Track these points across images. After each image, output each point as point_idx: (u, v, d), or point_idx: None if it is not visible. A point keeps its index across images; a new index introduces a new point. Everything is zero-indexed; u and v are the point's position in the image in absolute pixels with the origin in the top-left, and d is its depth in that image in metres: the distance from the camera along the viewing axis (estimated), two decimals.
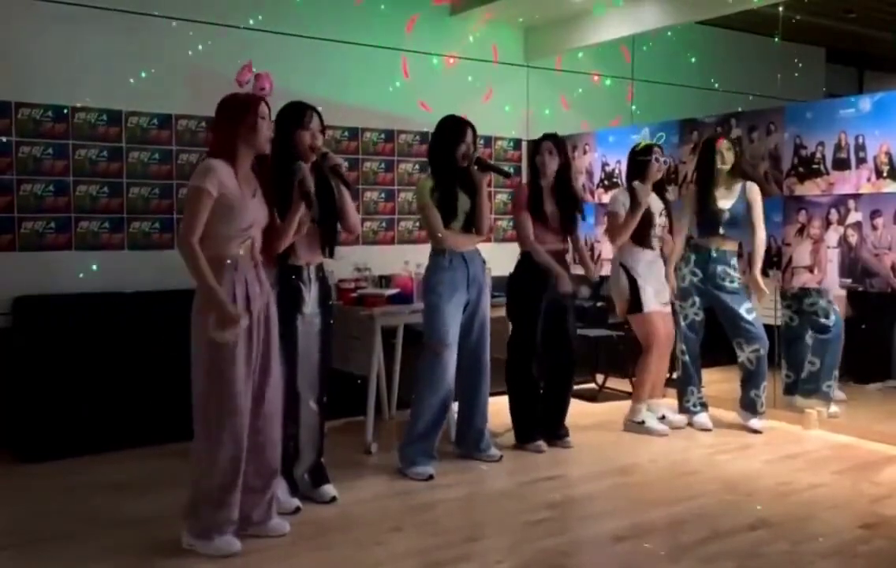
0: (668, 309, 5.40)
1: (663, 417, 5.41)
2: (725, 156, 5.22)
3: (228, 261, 3.35)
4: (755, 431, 5.27)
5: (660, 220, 5.28)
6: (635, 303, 5.24)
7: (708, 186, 5.26)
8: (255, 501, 3.54)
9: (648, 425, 5.33)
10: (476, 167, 4.51)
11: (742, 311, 5.24)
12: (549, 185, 4.96)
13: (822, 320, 5.54)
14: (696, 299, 5.39)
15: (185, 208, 3.37)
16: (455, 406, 4.81)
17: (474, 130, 4.53)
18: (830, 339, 5.54)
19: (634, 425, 5.39)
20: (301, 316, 3.88)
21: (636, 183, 5.18)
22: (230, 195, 3.33)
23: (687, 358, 5.50)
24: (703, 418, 5.43)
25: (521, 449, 4.94)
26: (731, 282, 5.25)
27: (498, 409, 5.52)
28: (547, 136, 5.00)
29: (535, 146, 5.04)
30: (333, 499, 4.03)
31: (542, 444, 4.93)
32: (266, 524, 3.59)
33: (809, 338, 5.62)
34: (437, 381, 4.45)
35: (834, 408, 5.56)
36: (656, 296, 5.28)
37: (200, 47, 5.82)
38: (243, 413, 3.37)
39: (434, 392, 4.46)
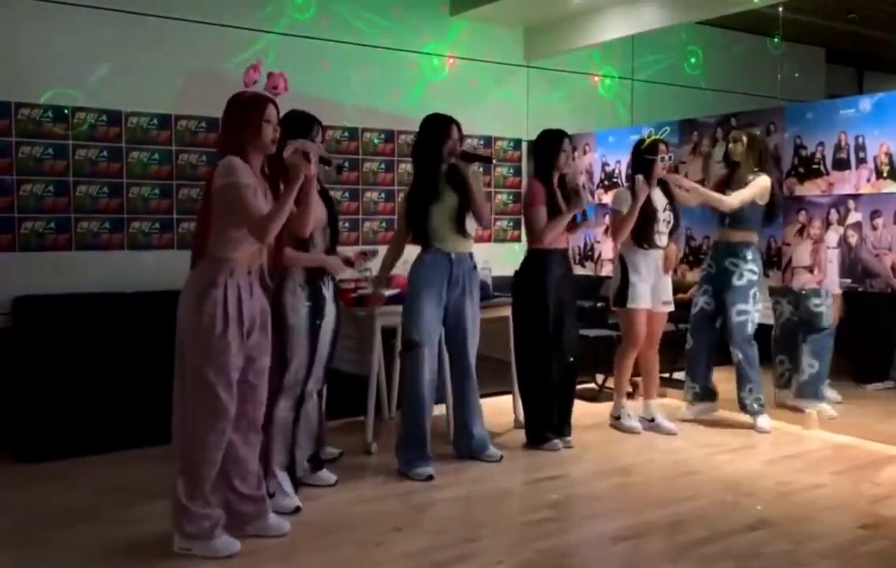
0: (669, 308, 5.37)
1: (653, 420, 5.37)
2: (734, 148, 5.23)
3: (227, 264, 3.32)
4: (762, 431, 5.24)
5: (663, 216, 5.20)
6: (621, 296, 5.23)
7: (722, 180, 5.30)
8: (247, 505, 3.54)
9: (622, 421, 5.36)
10: (461, 160, 4.42)
11: (733, 311, 5.22)
12: (556, 184, 4.95)
13: (823, 323, 5.52)
14: (709, 288, 5.42)
15: (232, 208, 3.24)
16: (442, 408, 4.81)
17: (459, 126, 4.48)
18: (826, 338, 5.52)
19: (612, 421, 5.43)
20: (322, 321, 4.00)
21: (638, 177, 5.10)
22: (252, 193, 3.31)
23: (689, 346, 5.53)
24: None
25: (535, 449, 4.93)
26: (739, 277, 5.21)
27: (500, 408, 5.54)
28: (565, 133, 4.95)
29: (550, 141, 4.92)
30: (334, 484, 4.17)
31: (557, 442, 4.92)
32: (265, 523, 3.58)
33: (807, 338, 5.56)
34: (415, 380, 4.42)
35: (832, 410, 5.55)
36: (652, 294, 5.24)
37: (200, 47, 5.83)
38: (227, 416, 3.35)
39: (413, 391, 4.43)
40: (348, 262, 4.24)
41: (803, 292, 5.56)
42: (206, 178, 3.51)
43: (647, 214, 5.11)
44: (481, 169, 4.64)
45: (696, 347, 5.55)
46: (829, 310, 5.52)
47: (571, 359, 5.00)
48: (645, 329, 5.27)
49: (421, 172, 4.49)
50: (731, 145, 5.30)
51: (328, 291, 4.06)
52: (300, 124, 3.96)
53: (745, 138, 5.26)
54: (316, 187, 3.69)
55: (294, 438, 3.99)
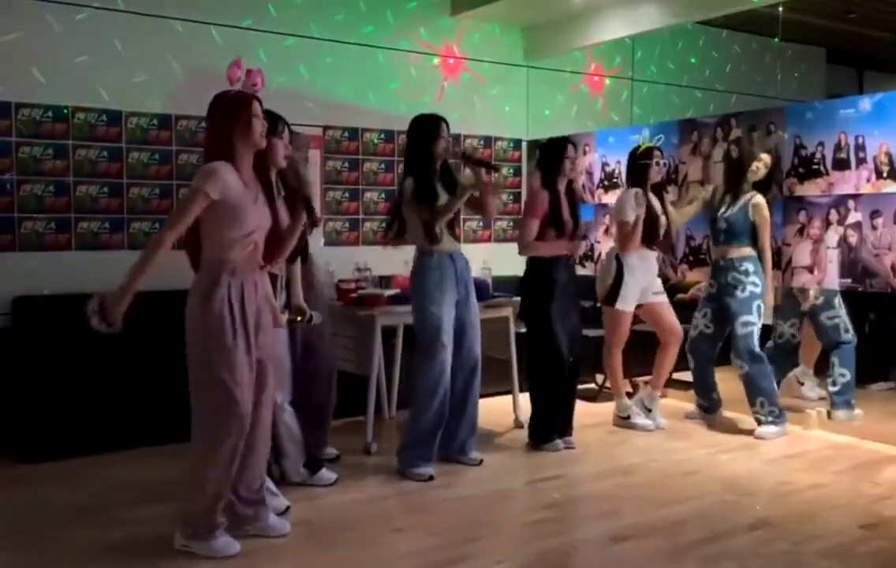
0: (663, 299, 5.42)
1: (650, 411, 5.47)
2: (761, 170, 5.22)
3: (227, 265, 3.31)
4: (760, 437, 5.17)
5: (662, 219, 5.32)
6: (612, 295, 5.29)
7: (729, 187, 5.30)
8: (248, 508, 3.53)
9: (633, 420, 5.41)
10: (463, 161, 4.46)
11: (738, 323, 5.20)
12: (563, 191, 4.94)
13: (845, 334, 5.48)
14: (708, 310, 5.45)
15: (178, 204, 3.27)
16: None
17: (447, 124, 4.49)
18: (853, 348, 5.49)
19: (620, 420, 5.47)
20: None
21: (636, 191, 5.22)
22: (235, 199, 3.27)
23: (691, 366, 5.61)
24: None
25: (536, 449, 4.93)
26: (743, 290, 5.19)
27: (500, 408, 5.55)
28: (570, 140, 4.98)
29: (554, 148, 4.94)
30: (334, 482, 4.21)
31: (559, 442, 4.93)
32: (265, 523, 3.57)
33: (832, 350, 5.50)
34: (435, 382, 4.39)
35: (858, 411, 5.51)
36: (641, 294, 5.31)
37: (200, 47, 5.83)
38: (242, 414, 3.34)
39: (432, 394, 4.40)
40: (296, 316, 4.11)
41: (811, 310, 5.52)
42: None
43: (652, 217, 5.25)
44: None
45: (697, 368, 5.59)
46: (844, 319, 5.50)
47: (572, 359, 5.00)
48: (628, 330, 5.39)
49: (416, 174, 4.45)
50: (762, 168, 5.23)
51: (280, 300, 3.98)
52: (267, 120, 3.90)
53: (768, 160, 5.26)
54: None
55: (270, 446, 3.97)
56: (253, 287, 3.40)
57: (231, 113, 3.34)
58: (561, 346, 4.86)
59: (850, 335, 5.49)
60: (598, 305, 5.60)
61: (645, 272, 5.32)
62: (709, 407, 5.62)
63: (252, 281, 3.40)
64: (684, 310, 5.96)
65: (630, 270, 5.25)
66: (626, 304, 5.28)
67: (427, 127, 4.46)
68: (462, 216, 4.56)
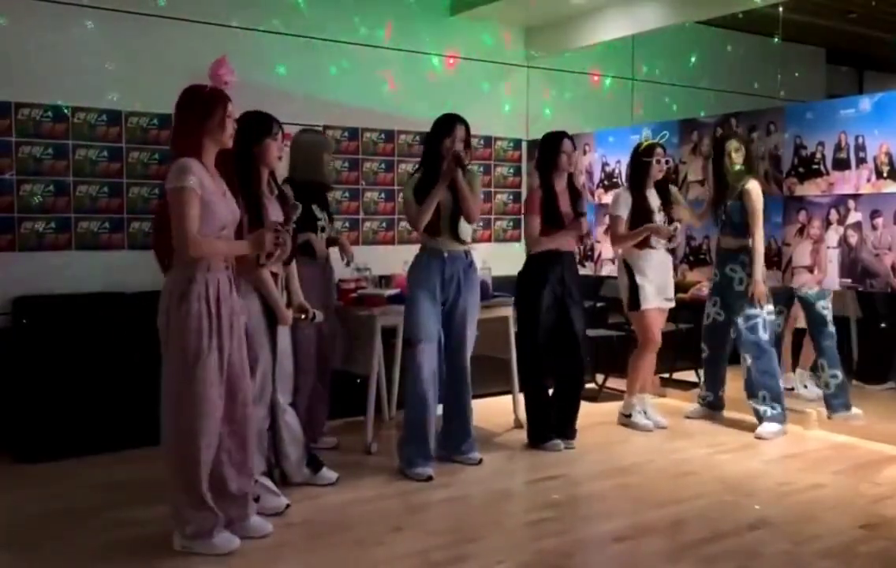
0: (670, 305, 5.44)
1: (645, 413, 5.47)
2: (733, 157, 5.21)
3: (202, 261, 3.29)
4: (761, 437, 5.16)
5: (658, 218, 5.28)
6: (633, 300, 5.30)
7: (716, 186, 5.31)
8: (233, 503, 3.52)
9: (634, 420, 5.43)
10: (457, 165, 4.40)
11: (741, 317, 5.22)
12: (562, 187, 4.94)
13: (830, 328, 5.47)
14: (717, 299, 5.45)
15: (172, 213, 3.22)
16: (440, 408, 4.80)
17: (467, 127, 4.49)
18: (835, 345, 5.45)
19: (623, 418, 5.49)
20: (277, 326, 3.93)
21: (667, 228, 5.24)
22: (207, 194, 3.26)
23: (704, 355, 5.60)
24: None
25: (536, 449, 4.93)
26: (740, 283, 5.22)
27: (500, 408, 5.54)
28: (564, 134, 4.96)
29: (550, 144, 4.94)
30: (335, 481, 4.22)
31: (559, 442, 4.93)
32: (247, 523, 3.55)
33: (820, 347, 5.46)
34: (415, 377, 4.41)
35: (861, 414, 5.46)
36: (658, 293, 5.31)
37: (200, 47, 5.81)
38: (215, 415, 3.33)
39: (414, 389, 4.43)
40: (300, 314, 4.11)
41: (806, 297, 5.50)
42: (162, 177, 3.48)
43: (645, 217, 5.23)
44: (480, 168, 4.62)
45: (711, 357, 5.58)
46: (830, 310, 5.49)
47: (574, 360, 4.97)
48: (661, 329, 5.39)
49: (423, 169, 4.50)
50: (733, 154, 5.20)
51: (281, 300, 3.97)
52: (259, 124, 3.90)
53: (743, 145, 5.25)
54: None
55: (270, 446, 3.97)
56: (228, 284, 3.38)
57: (206, 109, 3.33)
58: (541, 343, 4.86)
59: (832, 329, 5.46)
60: (604, 307, 5.58)
61: (655, 272, 5.30)
62: (713, 402, 5.62)
63: (227, 278, 3.38)
64: (684, 310, 5.96)
65: (639, 271, 5.26)
66: (649, 301, 5.28)
67: (440, 124, 4.49)
68: None
